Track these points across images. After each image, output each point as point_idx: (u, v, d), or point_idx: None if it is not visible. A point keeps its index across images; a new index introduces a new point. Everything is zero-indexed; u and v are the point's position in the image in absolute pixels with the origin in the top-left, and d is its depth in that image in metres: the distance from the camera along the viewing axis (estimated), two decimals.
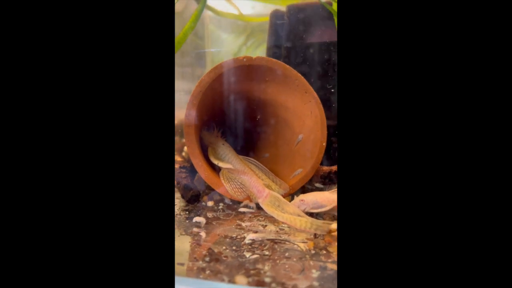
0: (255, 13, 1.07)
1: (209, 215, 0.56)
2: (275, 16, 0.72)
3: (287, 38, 0.70)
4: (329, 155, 0.69)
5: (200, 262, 0.42)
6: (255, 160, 0.65)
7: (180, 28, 0.72)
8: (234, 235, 0.48)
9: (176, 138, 0.94)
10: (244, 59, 0.59)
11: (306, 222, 0.49)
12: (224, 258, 0.42)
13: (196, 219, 0.54)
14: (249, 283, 0.37)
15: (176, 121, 0.93)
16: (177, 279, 0.38)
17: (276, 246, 0.45)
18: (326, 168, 0.65)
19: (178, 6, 0.93)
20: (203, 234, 0.49)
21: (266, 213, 0.56)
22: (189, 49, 1.08)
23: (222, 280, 0.38)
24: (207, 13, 1.08)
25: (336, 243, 0.46)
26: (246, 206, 0.59)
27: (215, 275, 0.39)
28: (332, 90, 0.69)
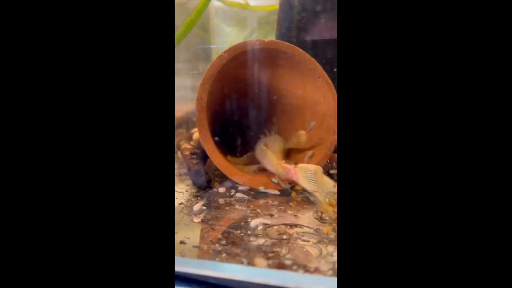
0: (260, 5, 1.05)
1: (221, 201, 0.55)
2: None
3: (298, 22, 0.68)
4: None
5: (216, 245, 0.40)
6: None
7: (183, 19, 0.70)
8: (249, 220, 0.47)
9: (182, 130, 0.93)
10: (257, 42, 0.57)
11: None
12: (240, 242, 0.41)
13: (196, 206, 0.53)
14: (269, 266, 0.36)
15: (181, 114, 0.91)
16: (188, 260, 0.37)
17: (292, 230, 0.44)
18: None
19: None
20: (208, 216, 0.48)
21: (278, 199, 0.54)
22: (193, 44, 1.07)
23: (241, 263, 0.37)
24: (212, 5, 1.07)
25: None
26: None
27: (233, 257, 0.38)
28: None
